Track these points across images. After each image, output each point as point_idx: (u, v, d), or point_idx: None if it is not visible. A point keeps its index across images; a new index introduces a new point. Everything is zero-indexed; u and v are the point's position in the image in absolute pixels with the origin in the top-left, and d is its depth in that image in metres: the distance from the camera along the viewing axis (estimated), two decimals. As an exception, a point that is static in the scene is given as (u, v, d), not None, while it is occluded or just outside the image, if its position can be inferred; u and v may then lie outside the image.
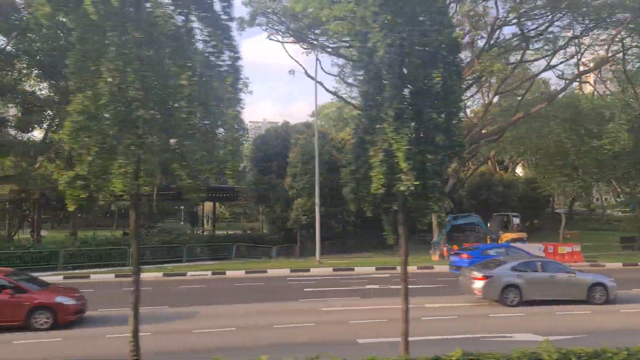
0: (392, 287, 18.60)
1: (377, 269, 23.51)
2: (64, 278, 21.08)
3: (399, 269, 24.66)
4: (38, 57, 29.97)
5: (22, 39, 28.85)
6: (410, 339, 11.45)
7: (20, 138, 32.10)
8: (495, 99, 35.51)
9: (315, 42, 26.59)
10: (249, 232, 44.31)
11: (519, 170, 63.43)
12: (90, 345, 11.01)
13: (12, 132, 34.80)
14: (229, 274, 22.37)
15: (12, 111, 35.81)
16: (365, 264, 24.63)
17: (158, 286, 19.14)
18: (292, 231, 32.32)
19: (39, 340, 11.35)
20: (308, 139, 30.40)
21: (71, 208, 6.79)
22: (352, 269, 23.49)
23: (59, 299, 12.43)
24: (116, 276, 21.45)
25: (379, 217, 27.64)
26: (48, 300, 12.29)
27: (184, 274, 22.20)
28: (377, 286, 18.59)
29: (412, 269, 23.76)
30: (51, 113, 33.36)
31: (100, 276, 21.56)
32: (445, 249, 26.79)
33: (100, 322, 12.85)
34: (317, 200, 25.27)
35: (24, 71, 32.48)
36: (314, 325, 12.57)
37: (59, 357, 10.07)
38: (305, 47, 28.12)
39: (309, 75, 27.92)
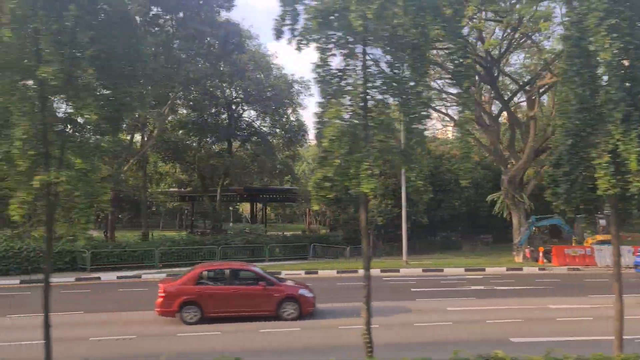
0: (497, 288, 18.63)
1: (466, 270, 23.51)
2: (168, 275, 21.90)
3: (487, 269, 24.46)
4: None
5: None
6: (569, 338, 11.52)
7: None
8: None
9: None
10: (308, 232, 44.78)
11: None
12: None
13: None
14: (321, 273, 22.77)
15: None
16: (451, 265, 24.65)
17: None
18: (359, 232, 32.56)
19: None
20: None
21: (316, 207, 7.20)
22: (441, 270, 23.54)
23: (302, 291, 13.37)
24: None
25: (448, 219, 27.67)
26: (294, 293, 13.25)
27: (279, 273, 22.69)
28: (482, 287, 18.63)
29: (500, 270, 23.72)
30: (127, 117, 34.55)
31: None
32: (527, 250, 26.55)
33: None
34: (403, 203, 25.51)
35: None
36: (453, 324, 12.76)
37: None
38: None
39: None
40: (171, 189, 48.41)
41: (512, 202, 28.01)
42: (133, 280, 21.23)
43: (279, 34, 7.25)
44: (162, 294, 12.65)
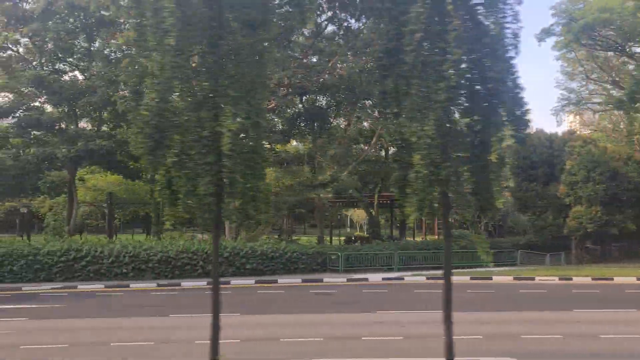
0: None
1: None
2: (428, 279, 22.85)
3: None
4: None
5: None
6: None
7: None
8: None
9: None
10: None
11: None
12: None
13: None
14: (576, 280, 22.76)
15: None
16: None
17: (555, 290, 20.02)
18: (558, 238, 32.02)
19: None
20: (587, 148, 30.69)
21: None
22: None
23: None
24: (471, 278, 22.85)
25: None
26: None
27: (532, 279, 23.00)
28: None
29: None
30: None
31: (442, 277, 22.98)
32: None
33: None
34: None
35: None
36: None
37: None
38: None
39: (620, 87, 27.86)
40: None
41: None
42: (398, 282, 22.22)
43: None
44: None
